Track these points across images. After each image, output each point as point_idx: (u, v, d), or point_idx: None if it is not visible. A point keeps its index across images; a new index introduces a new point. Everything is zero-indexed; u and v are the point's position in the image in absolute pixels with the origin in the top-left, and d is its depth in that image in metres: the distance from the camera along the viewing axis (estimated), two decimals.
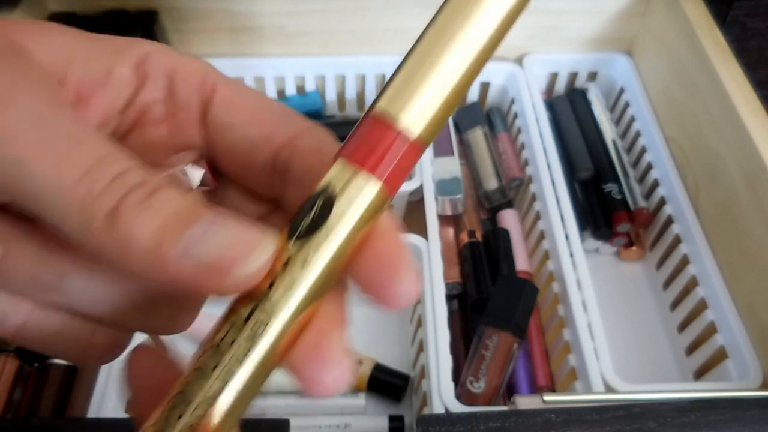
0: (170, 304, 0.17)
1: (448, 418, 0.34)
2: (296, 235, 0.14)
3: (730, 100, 0.50)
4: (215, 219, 0.14)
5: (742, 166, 0.49)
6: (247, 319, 0.14)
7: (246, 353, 0.14)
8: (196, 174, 0.18)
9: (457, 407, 0.43)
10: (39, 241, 0.16)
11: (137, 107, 0.19)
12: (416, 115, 0.15)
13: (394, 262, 0.16)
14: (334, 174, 0.15)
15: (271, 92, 0.68)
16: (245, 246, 0.14)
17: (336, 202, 0.14)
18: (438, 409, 0.44)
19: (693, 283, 0.52)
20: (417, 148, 0.15)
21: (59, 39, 0.17)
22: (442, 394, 0.44)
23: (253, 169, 0.18)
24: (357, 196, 0.14)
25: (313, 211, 0.14)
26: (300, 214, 0.14)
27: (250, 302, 0.14)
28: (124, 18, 0.61)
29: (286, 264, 0.14)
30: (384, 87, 0.16)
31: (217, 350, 0.14)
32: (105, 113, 0.18)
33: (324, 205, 0.14)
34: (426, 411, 0.45)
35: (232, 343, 0.14)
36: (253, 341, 0.14)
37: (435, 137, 0.16)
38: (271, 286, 0.14)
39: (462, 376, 0.47)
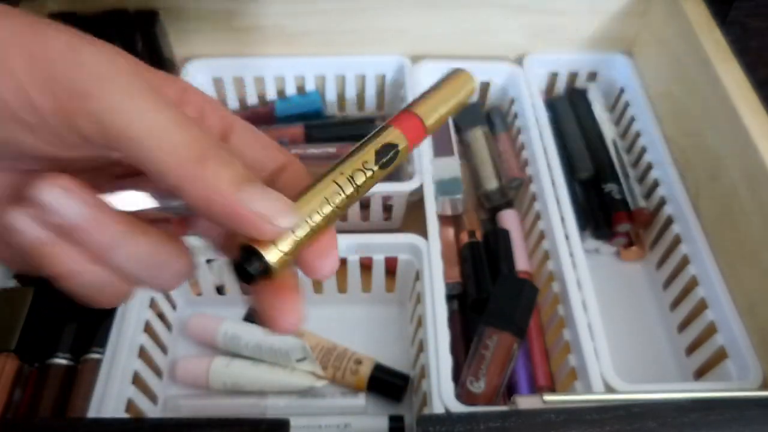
0: (178, 268, 0.23)
1: (448, 418, 0.34)
2: (380, 164, 0.24)
3: (730, 100, 0.50)
4: (264, 187, 0.21)
5: (742, 166, 0.49)
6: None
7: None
8: None
9: (457, 407, 0.43)
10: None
11: None
12: (430, 120, 0.26)
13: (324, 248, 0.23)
14: (397, 136, 0.25)
15: (271, 92, 0.68)
16: (283, 206, 0.21)
17: (400, 151, 0.25)
18: (438, 409, 0.44)
19: (693, 283, 0.52)
20: (426, 133, 0.26)
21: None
22: (442, 394, 0.44)
23: None
24: (402, 148, 0.25)
25: (390, 154, 0.24)
26: (382, 154, 0.24)
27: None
28: (124, 18, 0.61)
29: (370, 176, 0.24)
30: (419, 99, 0.26)
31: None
32: None
33: (395, 152, 0.25)
34: (426, 411, 0.45)
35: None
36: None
37: (434, 131, 0.26)
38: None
39: (462, 376, 0.47)
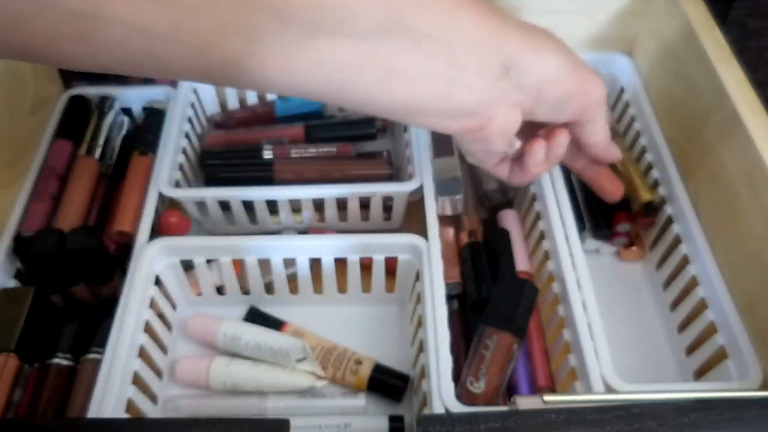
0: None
1: (448, 418, 0.34)
2: None
3: (730, 100, 0.50)
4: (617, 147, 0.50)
5: (742, 166, 0.49)
6: None
7: None
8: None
9: (457, 407, 0.43)
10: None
11: None
12: None
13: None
14: None
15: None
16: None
17: None
18: (438, 409, 0.44)
19: (693, 283, 0.52)
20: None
21: None
22: (442, 394, 0.44)
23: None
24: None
25: None
26: None
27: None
28: None
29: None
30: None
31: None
32: None
33: None
34: (426, 411, 0.45)
35: None
36: None
37: None
38: None
39: (462, 376, 0.47)
